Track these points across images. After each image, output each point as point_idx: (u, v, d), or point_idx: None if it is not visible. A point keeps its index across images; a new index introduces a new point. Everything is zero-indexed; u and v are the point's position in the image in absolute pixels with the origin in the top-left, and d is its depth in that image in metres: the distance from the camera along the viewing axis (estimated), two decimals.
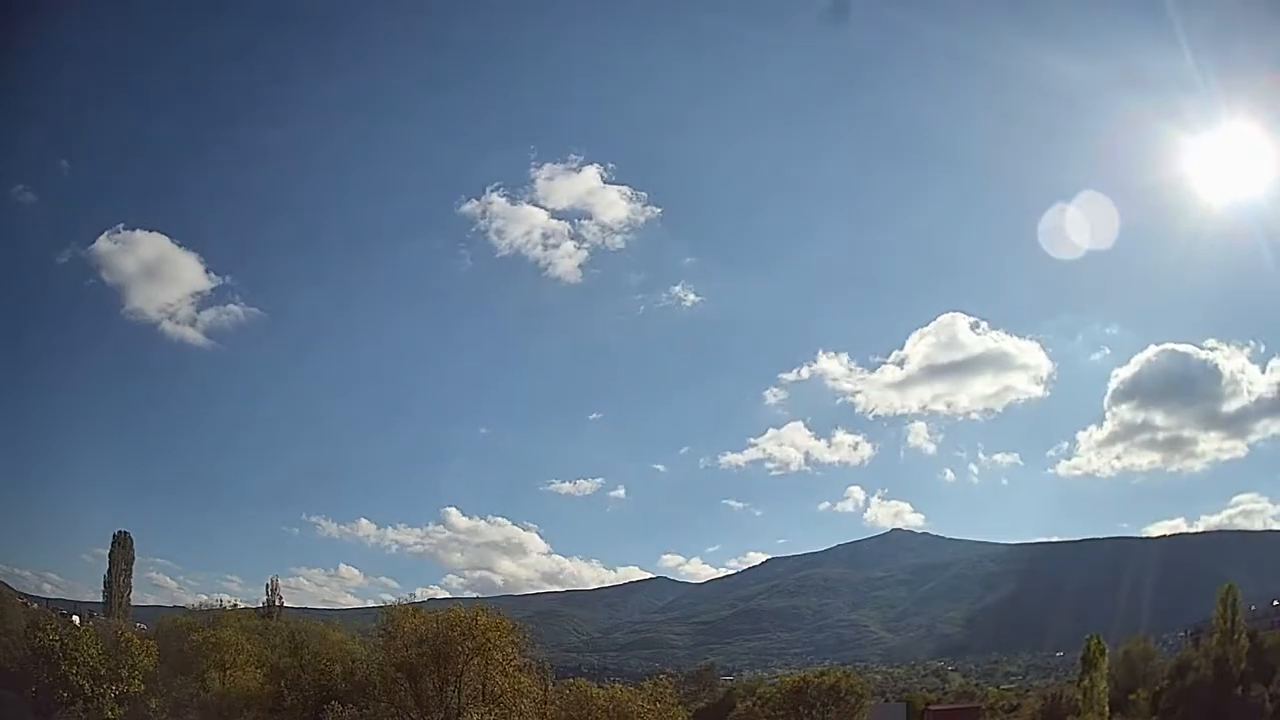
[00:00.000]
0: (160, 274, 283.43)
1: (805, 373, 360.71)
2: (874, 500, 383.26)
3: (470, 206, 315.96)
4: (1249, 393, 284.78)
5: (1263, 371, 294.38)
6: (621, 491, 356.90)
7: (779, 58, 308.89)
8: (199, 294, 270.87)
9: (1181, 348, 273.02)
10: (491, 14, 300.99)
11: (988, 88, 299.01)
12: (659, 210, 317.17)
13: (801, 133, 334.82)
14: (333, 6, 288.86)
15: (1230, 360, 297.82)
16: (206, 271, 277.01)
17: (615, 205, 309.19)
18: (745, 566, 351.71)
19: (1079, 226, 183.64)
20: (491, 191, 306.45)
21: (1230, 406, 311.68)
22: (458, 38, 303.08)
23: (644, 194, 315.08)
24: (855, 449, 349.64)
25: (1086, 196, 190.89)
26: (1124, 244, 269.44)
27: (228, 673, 52.90)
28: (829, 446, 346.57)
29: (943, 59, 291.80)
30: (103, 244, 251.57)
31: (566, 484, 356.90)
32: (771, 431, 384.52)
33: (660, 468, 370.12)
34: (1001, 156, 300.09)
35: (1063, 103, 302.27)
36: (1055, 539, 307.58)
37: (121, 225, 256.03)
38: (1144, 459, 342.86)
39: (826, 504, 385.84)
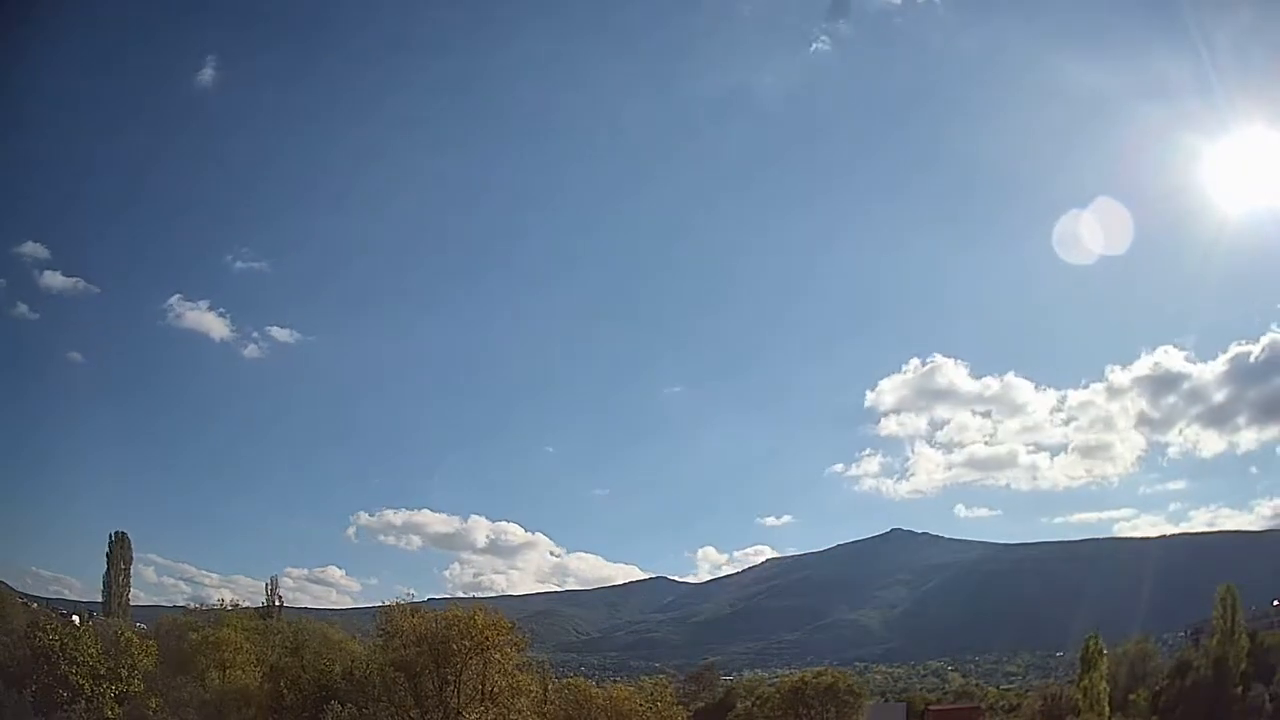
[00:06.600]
0: None
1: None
2: None
3: None
4: None
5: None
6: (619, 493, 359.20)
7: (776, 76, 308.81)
8: None
9: None
10: None
11: (1004, 95, 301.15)
12: None
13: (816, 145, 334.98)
14: None
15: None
16: None
17: None
18: (745, 566, 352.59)
19: (1093, 232, 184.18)
20: None
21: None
22: None
23: None
24: None
25: (1102, 203, 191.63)
26: (1138, 250, 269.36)
27: (227, 672, 52.90)
28: None
29: (959, 67, 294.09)
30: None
31: (568, 487, 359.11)
32: None
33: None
34: (1018, 163, 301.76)
35: (1080, 109, 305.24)
36: (1055, 539, 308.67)
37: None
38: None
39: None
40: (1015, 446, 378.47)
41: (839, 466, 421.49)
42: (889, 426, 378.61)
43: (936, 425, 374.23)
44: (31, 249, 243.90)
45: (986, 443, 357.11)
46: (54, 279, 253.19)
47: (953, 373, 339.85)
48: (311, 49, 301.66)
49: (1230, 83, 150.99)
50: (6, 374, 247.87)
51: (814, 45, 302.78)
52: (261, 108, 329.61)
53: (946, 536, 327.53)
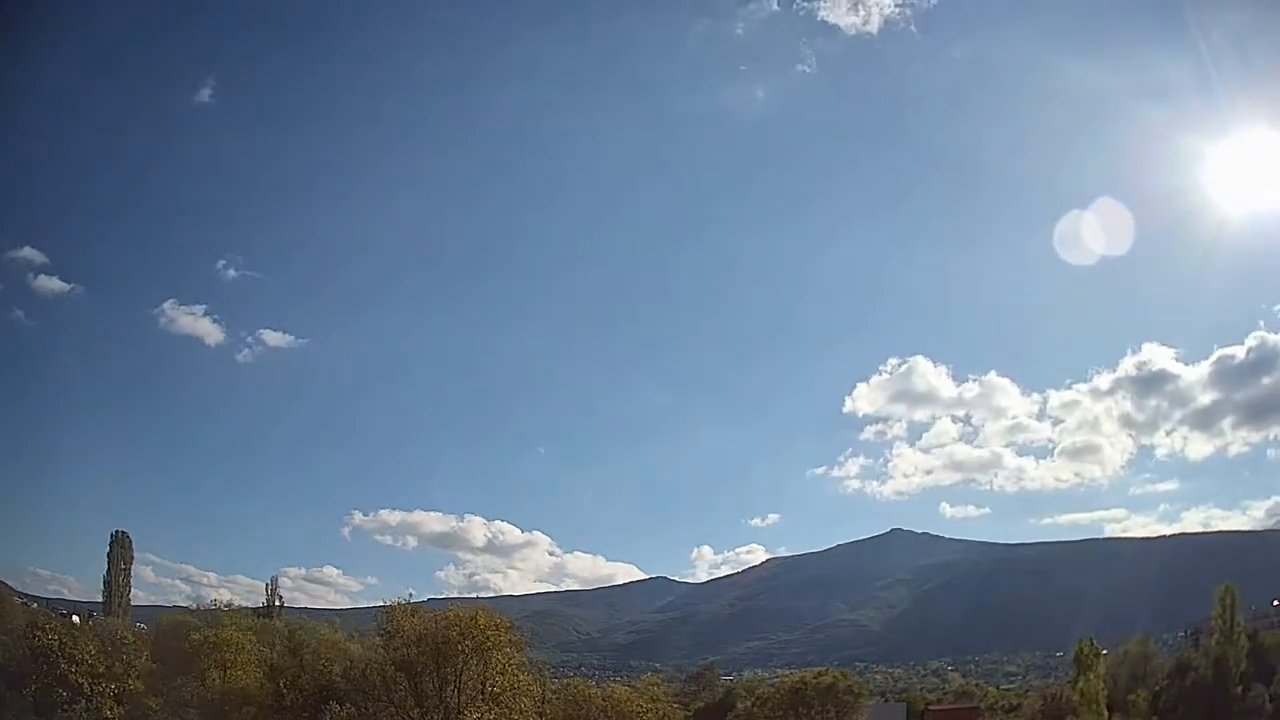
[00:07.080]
0: None
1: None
2: None
3: None
4: None
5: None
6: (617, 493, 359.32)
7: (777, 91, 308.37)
8: None
9: None
10: None
11: (1004, 96, 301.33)
12: None
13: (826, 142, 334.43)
14: None
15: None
16: None
17: None
18: (745, 566, 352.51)
19: (1094, 233, 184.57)
20: None
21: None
22: None
23: None
24: None
25: (1103, 203, 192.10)
26: (1138, 251, 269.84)
27: (227, 672, 52.91)
28: None
29: (959, 68, 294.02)
30: None
31: (566, 487, 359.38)
32: None
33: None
34: (1018, 164, 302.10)
35: (1080, 109, 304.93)
36: (1055, 539, 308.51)
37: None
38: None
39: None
40: (999, 449, 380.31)
41: (821, 469, 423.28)
42: (876, 429, 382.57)
43: (921, 427, 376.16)
44: (28, 254, 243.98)
45: (970, 444, 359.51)
46: (50, 283, 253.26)
47: (932, 374, 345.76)
48: (310, 50, 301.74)
49: (1230, 83, 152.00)
50: (5, 375, 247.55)
51: (800, 65, 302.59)
52: (258, 110, 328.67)
53: (946, 537, 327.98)
